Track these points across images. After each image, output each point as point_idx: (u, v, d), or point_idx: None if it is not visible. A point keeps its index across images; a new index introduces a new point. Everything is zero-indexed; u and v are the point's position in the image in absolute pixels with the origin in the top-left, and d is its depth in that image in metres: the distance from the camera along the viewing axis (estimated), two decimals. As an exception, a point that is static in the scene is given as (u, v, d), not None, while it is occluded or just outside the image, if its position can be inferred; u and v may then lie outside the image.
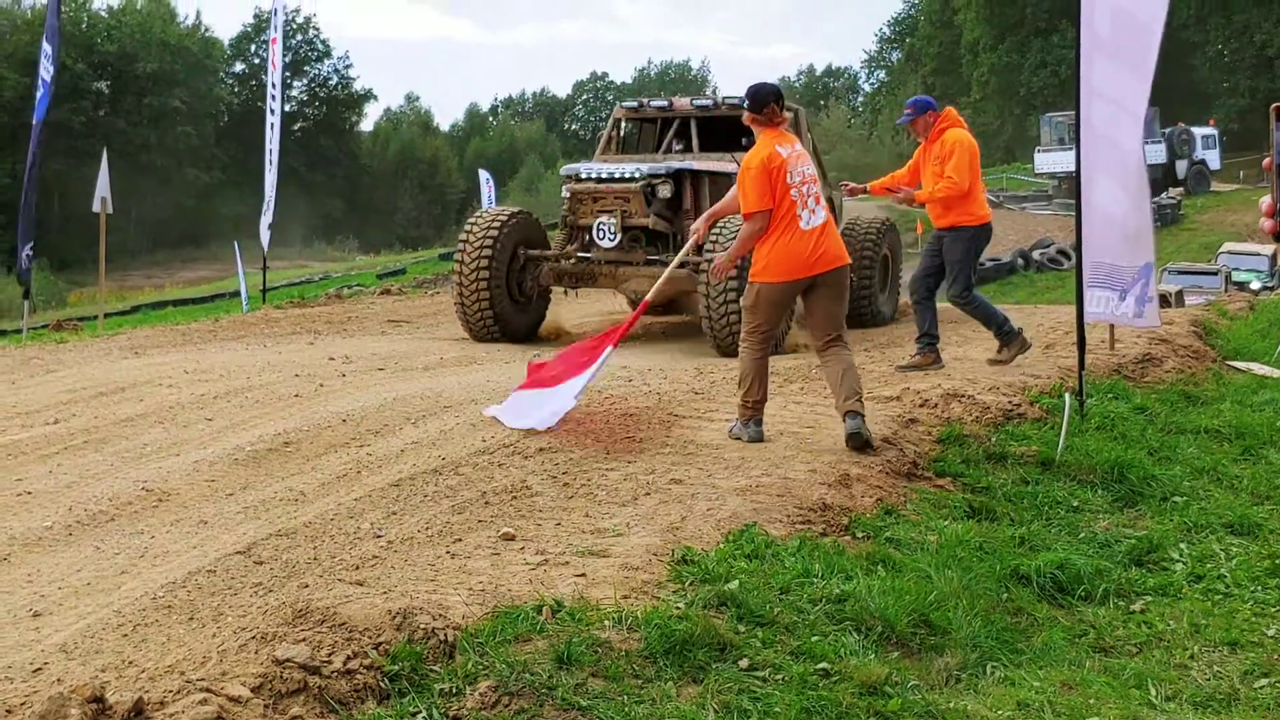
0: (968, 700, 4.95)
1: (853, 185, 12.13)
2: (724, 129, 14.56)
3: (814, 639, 5.14)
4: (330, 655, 4.42)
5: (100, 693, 4.04)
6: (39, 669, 4.60)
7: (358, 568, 5.61)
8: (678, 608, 5.16)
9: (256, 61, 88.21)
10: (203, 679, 4.23)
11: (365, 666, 4.42)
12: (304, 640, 4.49)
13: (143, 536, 6.22)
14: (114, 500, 6.80)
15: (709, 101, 14.57)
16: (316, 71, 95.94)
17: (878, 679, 4.83)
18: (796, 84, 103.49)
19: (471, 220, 13.98)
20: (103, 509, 6.66)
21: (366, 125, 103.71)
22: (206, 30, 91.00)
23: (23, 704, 4.21)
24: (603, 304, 15.64)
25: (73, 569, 5.76)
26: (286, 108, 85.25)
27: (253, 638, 4.58)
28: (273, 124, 23.10)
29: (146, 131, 78.62)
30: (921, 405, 9.13)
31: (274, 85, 23.77)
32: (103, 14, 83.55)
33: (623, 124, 15.22)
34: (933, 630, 5.52)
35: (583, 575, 5.50)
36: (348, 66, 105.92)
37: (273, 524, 6.31)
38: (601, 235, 13.26)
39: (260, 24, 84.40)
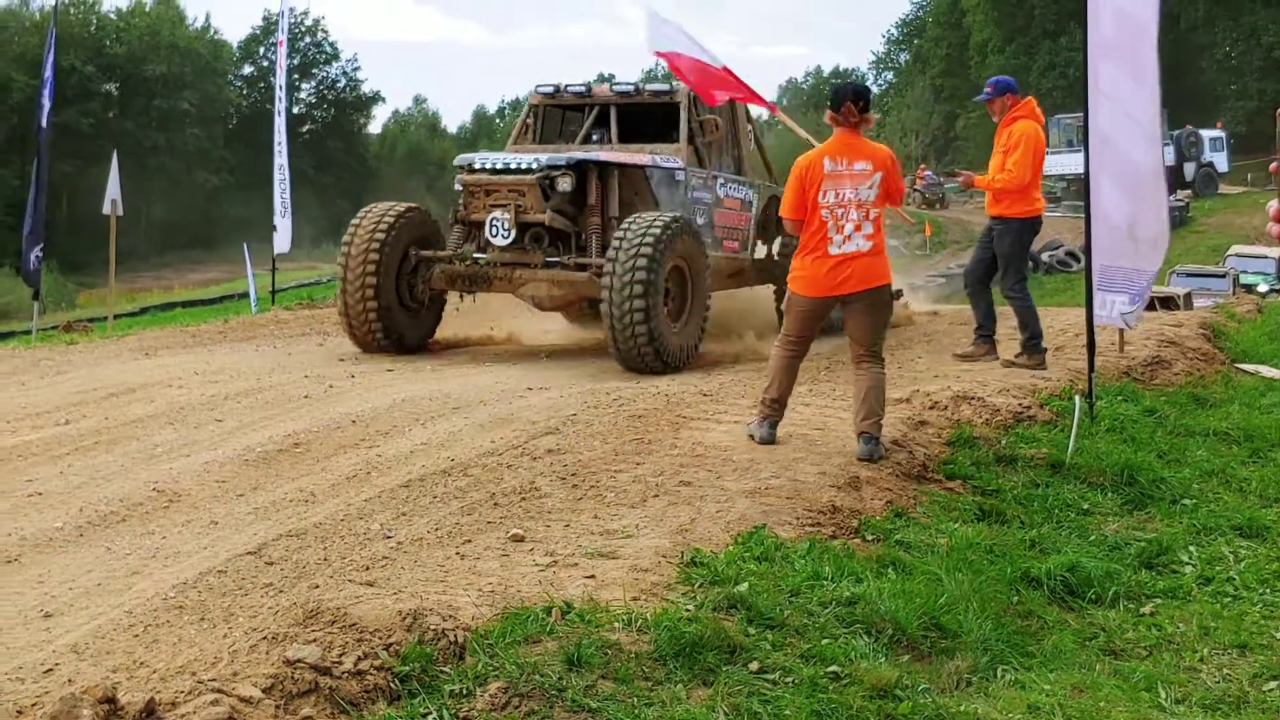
0: (978, 703, 4.95)
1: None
2: (647, 118, 13.47)
3: (824, 642, 5.14)
4: (341, 656, 4.43)
5: (112, 693, 4.05)
6: (50, 669, 4.60)
7: (368, 568, 5.62)
8: (687, 610, 5.16)
9: (265, 64, 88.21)
10: (214, 679, 4.24)
11: (376, 667, 4.43)
12: (315, 641, 4.50)
13: (153, 537, 6.23)
14: (125, 501, 6.82)
15: (629, 87, 13.39)
16: (325, 74, 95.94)
17: (888, 682, 4.83)
18: (804, 85, 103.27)
19: (357, 217, 12.40)
20: (113, 510, 6.67)
21: (374, 127, 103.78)
22: (215, 33, 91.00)
23: (34, 705, 4.22)
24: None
25: (83, 569, 5.77)
26: (295, 110, 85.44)
27: (264, 638, 4.59)
28: (279, 126, 23.12)
29: (155, 134, 78.63)
30: (931, 407, 9.13)
31: (280, 88, 23.78)
32: (111, 16, 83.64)
33: (540, 111, 13.77)
34: (943, 633, 5.52)
35: (592, 577, 5.51)
36: (356, 69, 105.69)
37: (283, 525, 6.33)
38: (495, 232, 11.84)
39: (269, 26, 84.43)
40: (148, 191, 67.25)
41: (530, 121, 13.71)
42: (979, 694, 5.11)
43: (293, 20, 69.34)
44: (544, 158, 11.90)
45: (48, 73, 19.07)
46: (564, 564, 5.69)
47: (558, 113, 13.87)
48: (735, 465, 7.51)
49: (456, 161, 12.51)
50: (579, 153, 12.28)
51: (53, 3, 52.44)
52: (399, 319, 12.28)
